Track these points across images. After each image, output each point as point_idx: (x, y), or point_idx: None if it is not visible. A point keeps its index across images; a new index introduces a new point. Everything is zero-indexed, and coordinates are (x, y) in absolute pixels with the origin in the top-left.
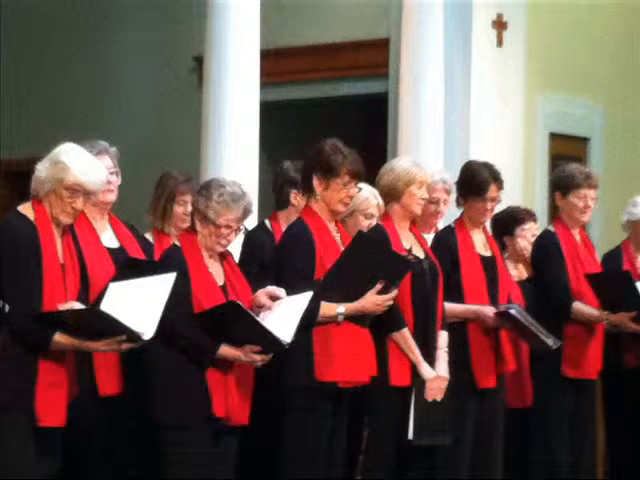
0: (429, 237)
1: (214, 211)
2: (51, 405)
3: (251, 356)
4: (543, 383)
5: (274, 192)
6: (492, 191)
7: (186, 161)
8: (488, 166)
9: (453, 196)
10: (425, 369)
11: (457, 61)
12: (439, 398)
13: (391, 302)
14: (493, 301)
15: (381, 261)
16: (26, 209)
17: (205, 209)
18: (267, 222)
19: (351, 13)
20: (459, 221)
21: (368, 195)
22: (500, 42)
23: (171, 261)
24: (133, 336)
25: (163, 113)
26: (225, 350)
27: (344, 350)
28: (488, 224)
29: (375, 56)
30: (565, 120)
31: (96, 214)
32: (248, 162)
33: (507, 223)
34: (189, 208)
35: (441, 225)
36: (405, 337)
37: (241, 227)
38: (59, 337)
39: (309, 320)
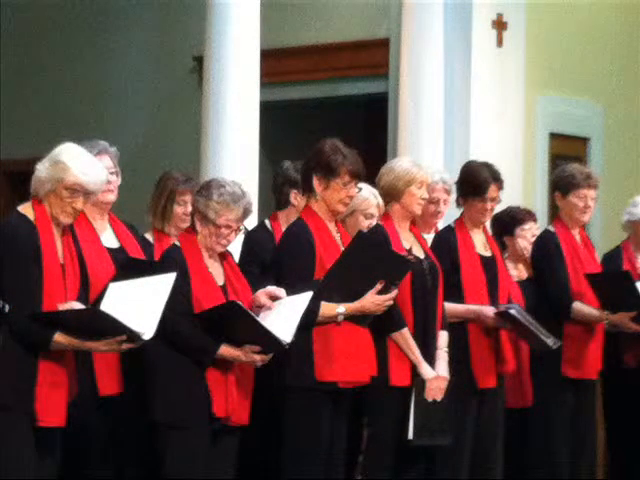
0: (429, 237)
1: (214, 211)
2: (51, 405)
3: (251, 356)
4: (543, 383)
5: (274, 192)
6: (492, 191)
7: (186, 161)
8: (488, 166)
9: (453, 196)
10: (425, 369)
11: (457, 61)
12: (439, 398)
13: (391, 302)
14: (493, 301)
15: (381, 261)
16: (26, 209)
17: (205, 209)
18: (267, 222)
19: (351, 13)
20: (459, 221)
21: (368, 195)
22: (500, 42)
23: (171, 261)
24: (133, 336)
25: (163, 113)
26: (225, 350)
27: (344, 350)
28: (488, 224)
29: (375, 56)
30: (565, 120)
31: (96, 214)
32: (248, 162)
33: (507, 223)
34: (189, 208)
35: (441, 225)
36: (405, 337)
37: (241, 227)
38: (59, 337)
39: (309, 320)
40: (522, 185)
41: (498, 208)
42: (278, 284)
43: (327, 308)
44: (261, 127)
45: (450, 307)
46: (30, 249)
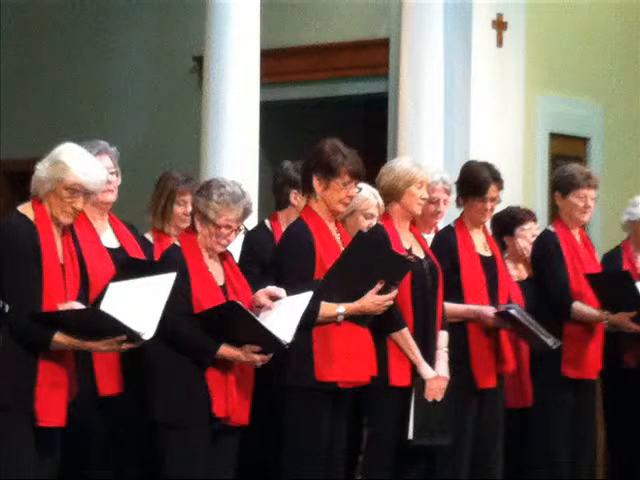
0: (429, 237)
1: (214, 211)
2: (51, 405)
3: (251, 356)
4: (543, 383)
5: (274, 192)
6: (492, 191)
7: (186, 161)
8: (488, 166)
9: (453, 196)
10: (425, 369)
11: (457, 61)
12: (439, 398)
13: (391, 302)
14: (493, 301)
15: (381, 261)
16: (26, 209)
17: (205, 209)
18: (267, 222)
19: (351, 13)
20: (459, 221)
21: (368, 195)
22: (500, 42)
23: (171, 261)
24: (133, 336)
25: (163, 113)
26: (225, 350)
27: (344, 350)
28: (488, 224)
29: (375, 56)
30: (565, 120)
31: (96, 214)
32: (248, 162)
33: (507, 223)
34: (189, 208)
35: (441, 225)
36: (405, 337)
37: (241, 227)
38: (59, 337)
39: (309, 320)
40: (522, 185)
41: (498, 208)
42: (278, 284)
43: (327, 308)
44: (261, 127)
45: (450, 307)
46: (30, 249)
